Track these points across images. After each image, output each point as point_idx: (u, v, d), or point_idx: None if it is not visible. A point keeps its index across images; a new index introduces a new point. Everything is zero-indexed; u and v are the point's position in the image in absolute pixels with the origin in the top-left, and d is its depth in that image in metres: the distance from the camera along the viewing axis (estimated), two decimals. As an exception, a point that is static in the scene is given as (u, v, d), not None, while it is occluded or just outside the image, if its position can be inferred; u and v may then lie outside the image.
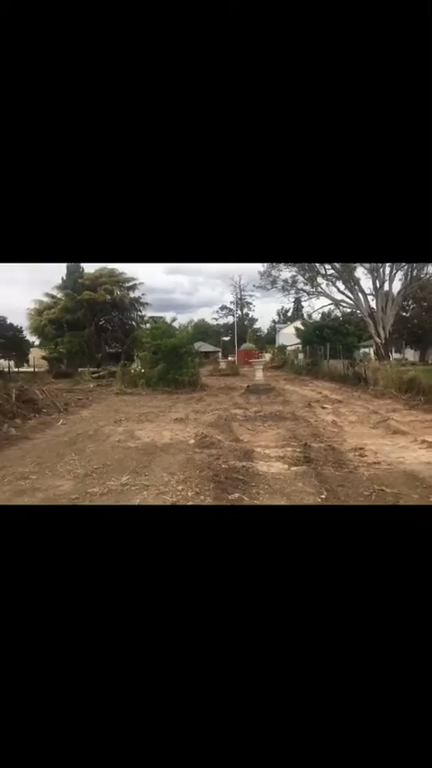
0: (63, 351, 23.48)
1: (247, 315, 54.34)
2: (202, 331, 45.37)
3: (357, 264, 18.05)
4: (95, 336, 24.05)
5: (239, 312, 52.73)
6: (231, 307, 53.21)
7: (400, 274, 17.91)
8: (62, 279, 25.67)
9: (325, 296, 20.08)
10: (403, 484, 3.93)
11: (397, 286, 18.10)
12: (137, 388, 13.38)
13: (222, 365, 23.96)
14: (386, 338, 17.81)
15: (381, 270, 17.52)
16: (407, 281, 18.06)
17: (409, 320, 24.38)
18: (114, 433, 6.55)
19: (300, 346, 25.74)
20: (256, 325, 53.32)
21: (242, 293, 52.32)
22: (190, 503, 3.53)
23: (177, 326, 15.55)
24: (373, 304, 18.20)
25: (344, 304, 19.89)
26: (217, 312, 57.00)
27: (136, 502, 3.56)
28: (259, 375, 13.18)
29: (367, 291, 18.22)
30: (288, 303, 47.86)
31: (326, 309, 25.58)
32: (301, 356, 24.35)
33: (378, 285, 17.74)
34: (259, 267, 20.64)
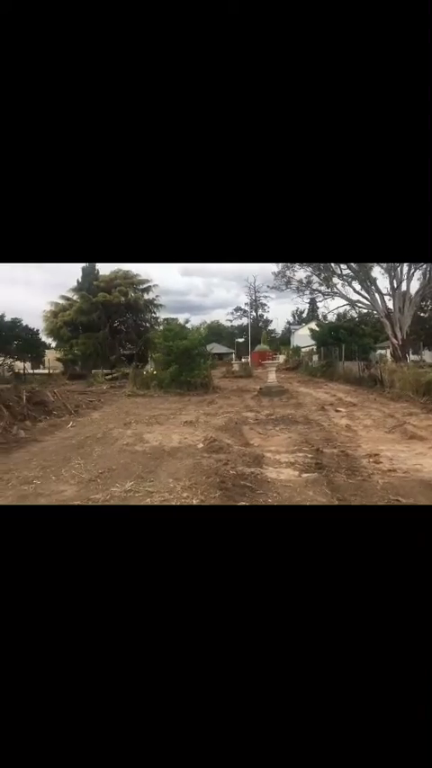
0: (78, 353, 23.71)
1: (261, 316, 54.09)
2: (216, 333, 45.33)
3: (374, 264, 17.69)
4: (110, 338, 24.21)
5: (254, 314, 52.51)
6: (246, 308, 53.05)
7: (418, 274, 17.46)
8: (77, 281, 25.96)
9: (340, 296, 19.75)
10: (420, 494, 3.71)
11: (415, 286, 17.65)
12: (149, 389, 13.35)
13: (235, 367, 23.81)
14: (403, 339, 17.37)
15: (398, 269, 17.11)
16: (425, 280, 17.58)
17: (428, 321, 23.78)
18: (123, 436, 6.47)
19: (314, 348, 25.39)
20: (271, 327, 53.04)
21: (257, 294, 52.10)
22: (194, 511, 3.40)
23: (190, 328, 15.49)
24: (390, 304, 17.78)
25: (360, 304, 19.52)
26: (231, 314, 57.02)
27: (139, 509, 3.45)
28: (272, 377, 12.99)
29: (384, 291, 17.83)
30: (303, 304, 47.30)
31: (341, 310, 25.19)
32: (315, 358, 24.01)
33: (395, 285, 17.32)
34: (273, 268, 20.47)
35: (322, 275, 19.35)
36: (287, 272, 19.82)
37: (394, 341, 17.42)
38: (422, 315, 22.73)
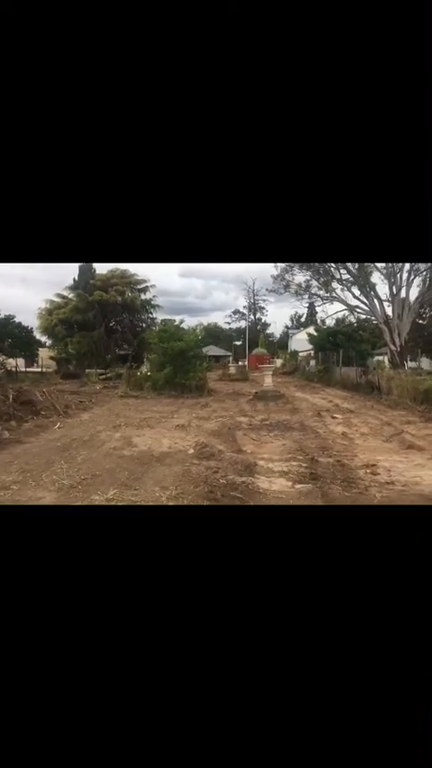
0: (72, 351, 23.40)
1: (260, 319, 53.91)
2: (214, 335, 45.11)
3: (373, 269, 17.55)
4: (105, 338, 23.92)
5: (252, 317, 52.36)
6: (244, 311, 52.90)
7: (417, 280, 17.34)
8: (74, 279, 25.69)
9: (339, 301, 19.57)
10: (420, 510, 3.50)
11: (414, 293, 17.51)
12: (142, 391, 13.10)
13: (232, 370, 23.58)
14: (401, 346, 17.21)
15: (398, 275, 16.97)
16: (425, 287, 17.45)
17: (426, 328, 23.70)
18: (111, 439, 6.23)
19: (312, 352, 25.24)
20: (269, 330, 52.87)
21: (255, 298, 51.94)
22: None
23: (186, 328, 15.26)
24: (388, 311, 17.64)
25: (359, 310, 19.34)
26: (230, 316, 56.67)
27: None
28: (268, 381, 12.77)
29: (383, 298, 17.67)
30: (302, 308, 47.22)
31: (340, 315, 25.05)
32: (313, 363, 23.84)
33: (395, 291, 17.18)
34: (273, 271, 20.29)
35: (321, 279, 19.18)
36: (286, 275, 19.64)
37: (392, 347, 17.26)
38: (420, 322, 22.64)
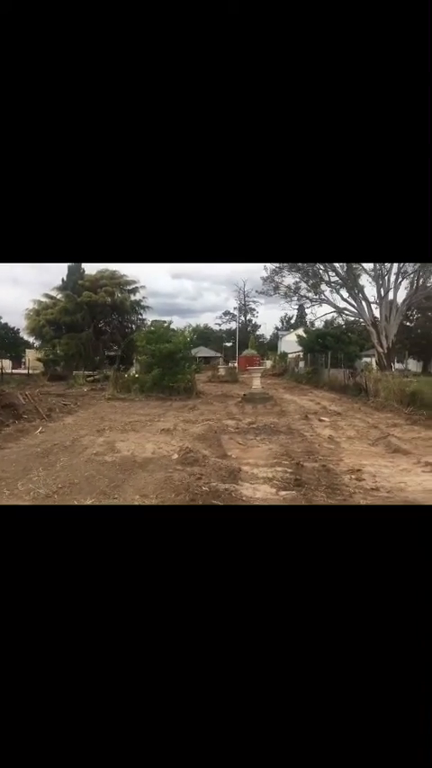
0: (60, 353, 23.08)
1: (250, 321, 53.92)
2: (205, 336, 44.94)
3: (362, 272, 17.63)
4: (94, 339, 23.65)
5: (243, 318, 52.35)
6: (235, 313, 52.87)
7: (405, 283, 17.46)
8: (62, 280, 25.35)
9: (328, 303, 19.62)
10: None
11: (402, 295, 17.63)
12: (130, 393, 12.93)
13: (221, 371, 23.48)
14: (389, 348, 17.31)
15: (386, 278, 17.07)
16: (412, 290, 17.59)
17: (413, 330, 23.92)
18: (93, 444, 6.09)
19: (301, 354, 25.29)
20: (259, 332, 52.88)
21: (246, 299, 51.94)
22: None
23: (175, 330, 15.13)
24: (376, 313, 17.74)
25: (347, 312, 19.43)
26: (220, 318, 56.45)
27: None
28: (257, 383, 12.72)
29: (371, 300, 17.76)
30: (291, 310, 47.27)
31: (329, 317, 25.14)
32: (302, 364, 23.88)
33: (382, 293, 17.28)
34: (263, 272, 20.25)
35: (310, 281, 19.21)
36: (275, 277, 19.63)
37: (380, 349, 17.35)
38: (408, 324, 22.84)
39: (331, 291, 19.08)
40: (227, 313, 55.65)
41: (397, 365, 19.81)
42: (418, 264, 16.08)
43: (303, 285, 19.60)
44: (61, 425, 7.68)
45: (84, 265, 24.80)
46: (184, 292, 79.95)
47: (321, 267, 18.10)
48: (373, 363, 18.88)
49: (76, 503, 3.68)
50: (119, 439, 6.44)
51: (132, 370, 17.04)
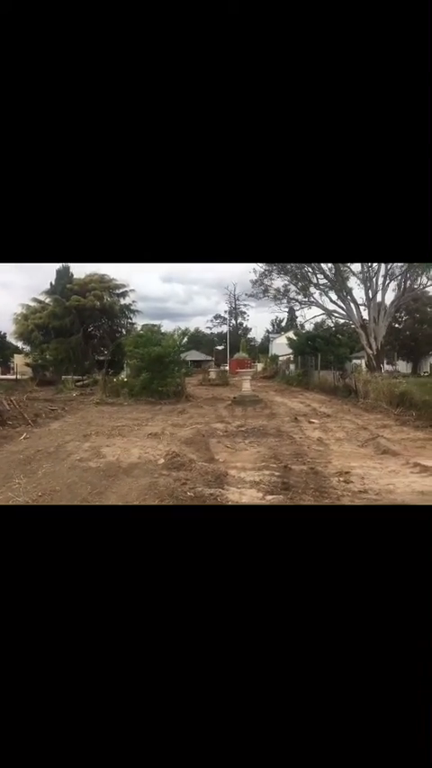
0: (49, 358, 22.81)
1: (241, 324, 54.00)
2: (196, 340, 44.87)
3: (350, 275, 17.72)
4: (83, 343, 23.42)
5: (233, 321, 52.40)
6: (225, 316, 52.90)
7: (393, 285, 17.58)
8: (51, 284, 25.12)
9: (317, 306, 19.68)
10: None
11: (390, 297, 17.75)
12: (119, 398, 12.78)
13: (212, 375, 23.40)
14: (378, 349, 17.40)
15: (374, 280, 17.17)
16: (400, 292, 17.72)
17: (402, 332, 24.12)
18: (78, 450, 5.95)
19: (291, 356, 25.33)
20: (250, 335, 52.95)
21: (236, 303, 52.01)
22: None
23: (164, 333, 15.01)
24: (365, 315, 17.83)
25: (336, 314, 19.50)
26: (211, 321, 56.46)
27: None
28: (246, 386, 12.65)
29: (360, 302, 17.85)
30: (282, 313, 47.48)
31: (318, 320, 25.23)
32: (292, 367, 23.92)
33: (371, 296, 17.38)
34: (252, 275, 20.24)
35: (299, 284, 19.25)
36: (264, 280, 19.64)
37: (369, 351, 17.43)
38: (397, 326, 23.03)
39: (320, 294, 19.17)
40: (218, 316, 55.77)
41: (387, 367, 19.91)
42: (406, 266, 16.22)
43: (292, 288, 19.66)
44: (47, 431, 7.52)
45: (72, 269, 24.61)
46: (174, 296, 79.98)
47: (310, 270, 18.16)
48: (363, 365, 18.96)
49: (55, 511, 3.56)
50: (104, 444, 6.32)
51: (122, 375, 16.88)
